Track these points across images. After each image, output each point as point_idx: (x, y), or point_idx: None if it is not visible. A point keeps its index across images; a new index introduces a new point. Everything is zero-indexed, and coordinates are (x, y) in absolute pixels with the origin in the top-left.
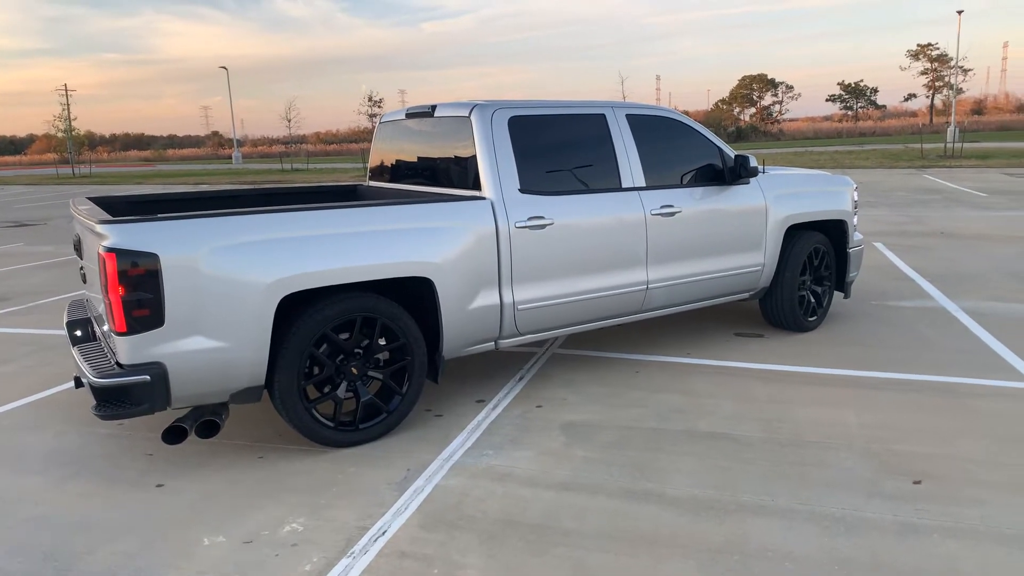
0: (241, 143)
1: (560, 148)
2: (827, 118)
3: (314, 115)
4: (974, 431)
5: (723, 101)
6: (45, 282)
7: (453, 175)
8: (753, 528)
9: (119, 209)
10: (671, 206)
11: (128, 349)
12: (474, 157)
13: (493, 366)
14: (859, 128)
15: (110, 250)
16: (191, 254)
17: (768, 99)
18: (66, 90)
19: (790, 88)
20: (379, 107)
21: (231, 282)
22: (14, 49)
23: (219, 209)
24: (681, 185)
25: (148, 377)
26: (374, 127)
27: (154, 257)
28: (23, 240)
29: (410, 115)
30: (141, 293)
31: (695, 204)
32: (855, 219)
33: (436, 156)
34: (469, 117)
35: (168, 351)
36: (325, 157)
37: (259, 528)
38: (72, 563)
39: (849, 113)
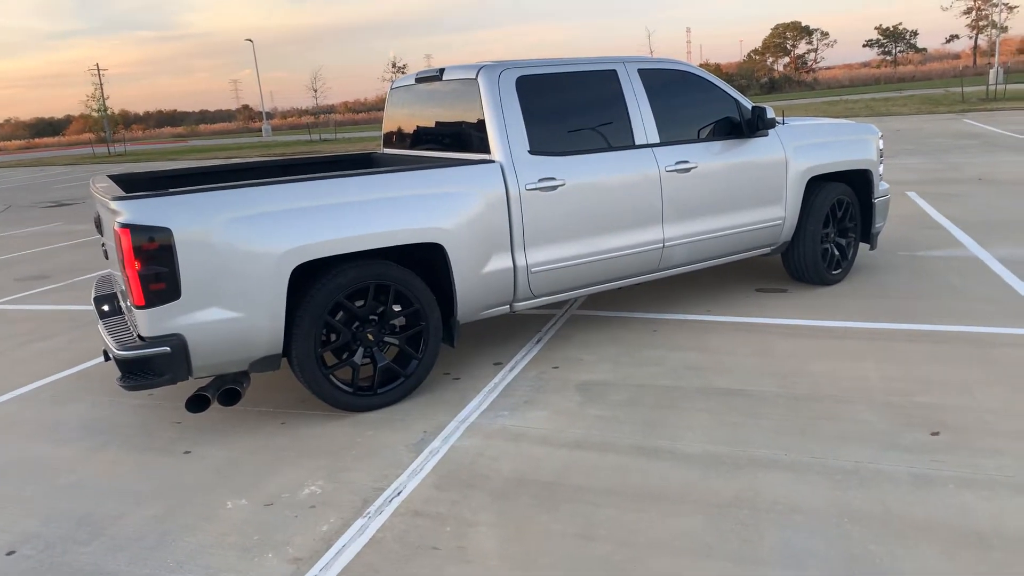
0: (271, 115)
1: (570, 107)
2: (865, 64)
3: (343, 84)
4: (997, 381)
5: (756, 52)
6: (82, 260)
7: (463, 139)
8: (764, 483)
9: (140, 185)
10: (686, 162)
11: (147, 322)
12: (482, 120)
13: (512, 329)
14: (898, 74)
15: (125, 226)
16: (204, 227)
17: (802, 47)
18: (98, 69)
19: (825, 35)
20: (403, 73)
21: (244, 253)
22: (51, 31)
23: (237, 181)
24: (697, 140)
25: (168, 348)
26: None
27: (167, 231)
28: (62, 219)
29: (420, 79)
30: (157, 267)
31: (711, 159)
32: (880, 168)
33: (447, 120)
34: (476, 79)
35: (186, 323)
36: (354, 126)
37: (280, 491)
38: (103, 528)
39: (888, 58)
